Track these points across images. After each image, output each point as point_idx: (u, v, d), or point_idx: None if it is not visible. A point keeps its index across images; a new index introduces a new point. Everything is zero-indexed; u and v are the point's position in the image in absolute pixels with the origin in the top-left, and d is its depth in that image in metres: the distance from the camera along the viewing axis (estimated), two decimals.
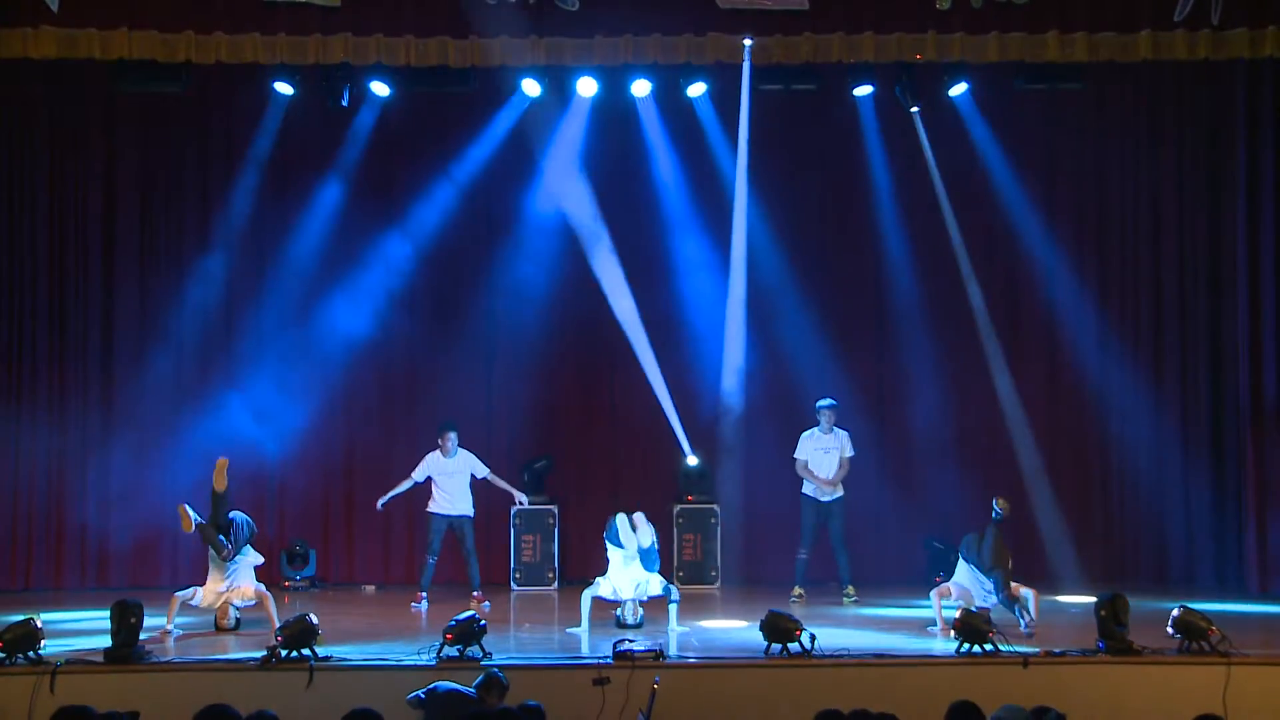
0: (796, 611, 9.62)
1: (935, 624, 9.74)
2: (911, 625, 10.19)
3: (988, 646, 8.49)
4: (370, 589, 12.62)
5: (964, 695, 6.22)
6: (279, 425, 12.66)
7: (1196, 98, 12.60)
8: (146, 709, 6.69)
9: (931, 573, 12.12)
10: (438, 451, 11.52)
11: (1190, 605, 8.75)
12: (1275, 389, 11.81)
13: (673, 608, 9.84)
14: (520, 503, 11.89)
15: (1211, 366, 12.65)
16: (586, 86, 12.11)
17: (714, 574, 12.49)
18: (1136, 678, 8.34)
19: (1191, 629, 8.49)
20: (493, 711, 6.13)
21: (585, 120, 12.63)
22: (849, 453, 11.65)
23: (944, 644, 9.14)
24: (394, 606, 11.41)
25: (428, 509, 11.55)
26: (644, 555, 10.02)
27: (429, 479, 11.50)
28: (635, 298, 12.91)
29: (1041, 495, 12.75)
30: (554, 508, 12.51)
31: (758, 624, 8.73)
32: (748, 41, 11.02)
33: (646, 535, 10.04)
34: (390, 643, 9.23)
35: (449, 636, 8.39)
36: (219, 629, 9.96)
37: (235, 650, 9.09)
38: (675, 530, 12.42)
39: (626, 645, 8.44)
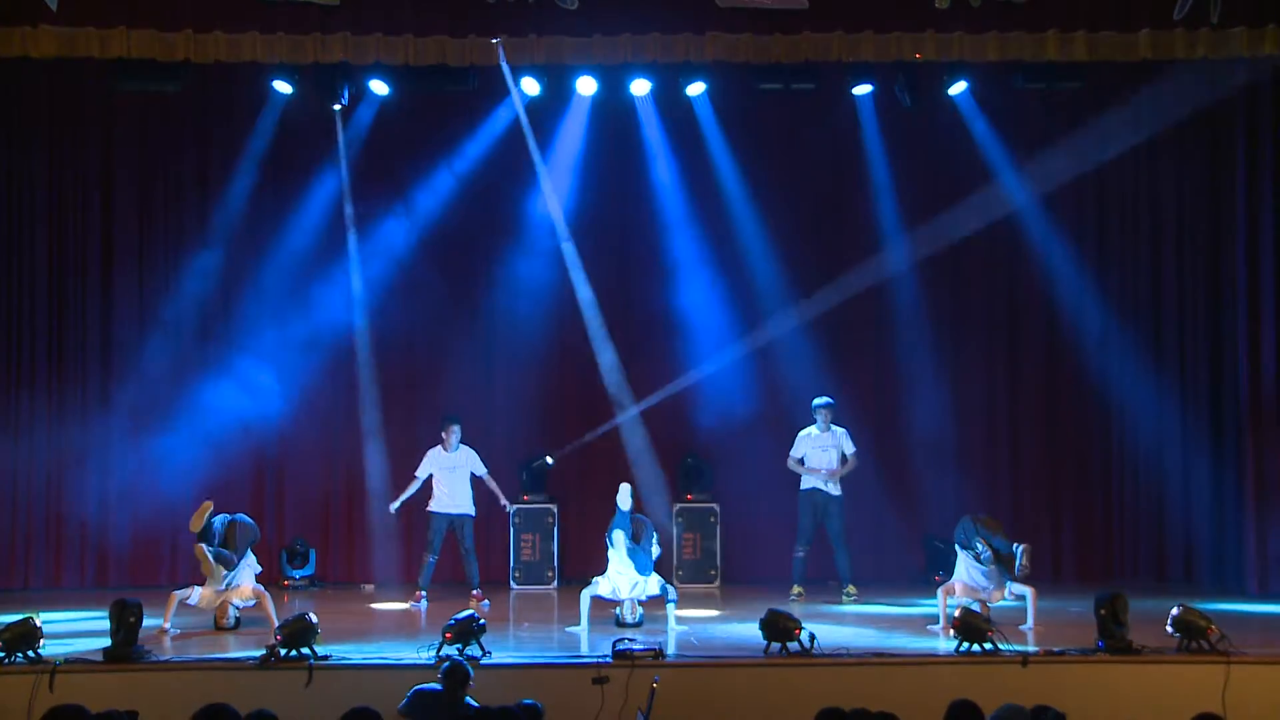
0: (796, 610, 9.62)
1: (937, 622, 9.75)
2: (911, 624, 10.20)
3: (987, 645, 8.49)
4: (369, 588, 12.61)
5: (964, 694, 6.24)
6: (279, 424, 12.68)
7: (1196, 96, 12.58)
8: (145, 708, 6.67)
9: (931, 571, 12.13)
10: (439, 446, 11.52)
11: (1190, 604, 8.75)
12: (1275, 388, 11.80)
13: (671, 607, 9.85)
14: (505, 508, 11.84)
15: (1211, 366, 12.64)
16: (586, 85, 12.11)
17: (713, 573, 12.50)
18: (1136, 677, 8.34)
19: (1191, 628, 8.49)
20: (493, 710, 6.12)
21: (585, 119, 12.64)
22: (850, 449, 11.64)
23: (944, 643, 9.14)
24: (393, 605, 11.41)
25: (428, 508, 11.55)
26: (636, 560, 10.01)
27: (430, 475, 11.49)
28: (635, 296, 12.94)
29: (1041, 494, 12.77)
30: (553, 507, 12.51)
31: (757, 623, 8.73)
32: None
33: (651, 544, 10.08)
34: (389, 642, 9.23)
35: (448, 635, 8.39)
36: (218, 628, 9.96)
37: (234, 649, 9.09)
38: (675, 529, 12.43)
39: (626, 644, 8.45)
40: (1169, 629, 8.58)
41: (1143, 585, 12.10)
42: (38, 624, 8.36)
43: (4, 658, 8.20)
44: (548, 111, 12.58)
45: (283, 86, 11.96)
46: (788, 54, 11.05)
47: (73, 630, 9.69)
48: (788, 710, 7.84)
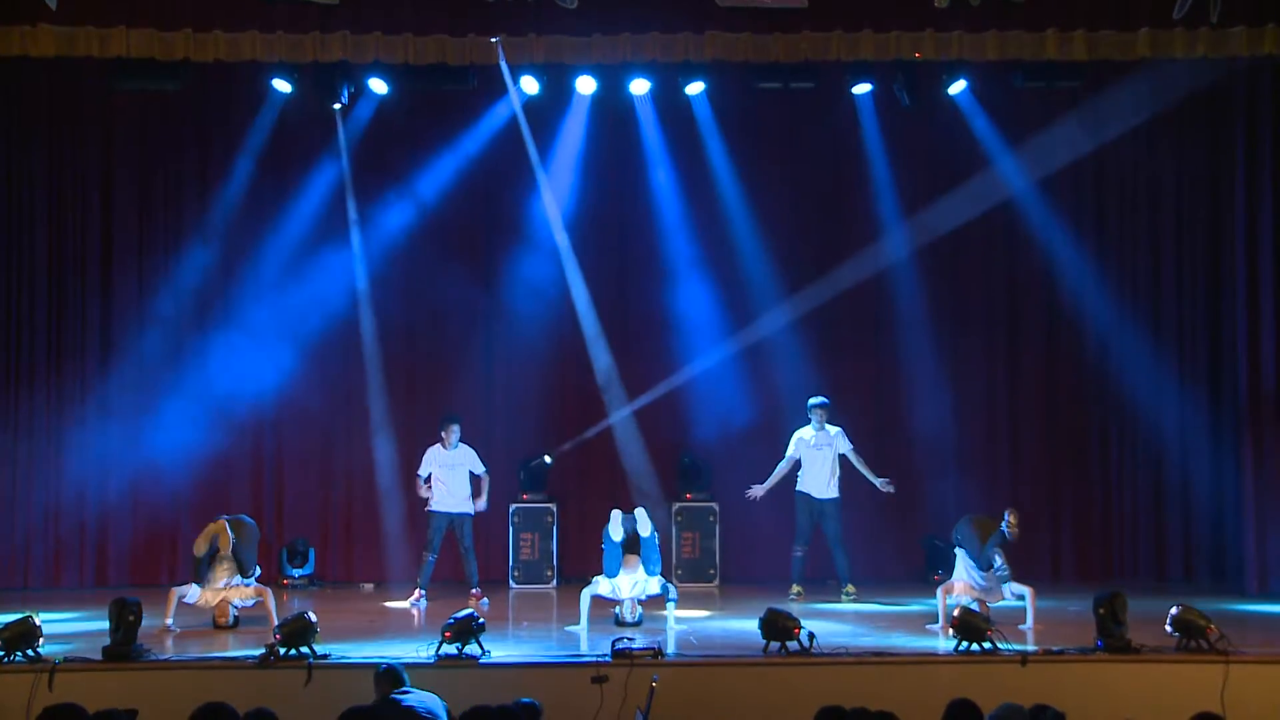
0: (795, 609, 9.62)
1: (936, 621, 9.75)
2: (911, 623, 10.19)
3: (986, 645, 8.49)
4: (369, 587, 12.61)
5: (963, 693, 6.24)
6: (279, 424, 12.69)
7: (1195, 96, 12.58)
8: (145, 707, 6.66)
9: (930, 571, 12.13)
10: (439, 445, 11.52)
11: (1189, 604, 8.75)
12: (1274, 388, 11.80)
13: (671, 606, 9.85)
14: (480, 510, 11.67)
15: (1210, 365, 12.65)
16: (585, 85, 12.10)
17: (713, 572, 12.50)
18: (1135, 676, 8.34)
19: (1190, 627, 8.49)
20: (491, 709, 6.12)
21: (585, 118, 12.64)
22: (846, 447, 11.64)
23: (943, 642, 9.14)
24: (393, 604, 11.41)
25: (428, 507, 11.54)
26: (645, 554, 10.01)
27: (430, 474, 11.50)
28: (634, 294, 12.94)
29: (1040, 493, 12.77)
30: (552, 506, 12.51)
31: (757, 622, 8.73)
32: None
33: (645, 525, 10.04)
34: (389, 640, 9.24)
35: (447, 634, 8.39)
36: (217, 627, 9.96)
37: (234, 648, 9.10)
38: (674, 528, 12.43)
39: (625, 643, 8.45)
40: (1168, 628, 8.58)
41: (1142, 584, 12.09)
42: (37, 623, 8.36)
43: (3, 656, 8.20)
44: (547, 111, 12.57)
45: (282, 85, 11.95)
46: (787, 53, 11.05)
47: (72, 629, 9.68)
48: (787, 709, 7.84)
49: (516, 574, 12.42)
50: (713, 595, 12.06)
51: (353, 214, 12.75)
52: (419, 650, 8.47)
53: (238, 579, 10.02)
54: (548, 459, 12.60)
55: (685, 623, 10.04)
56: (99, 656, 8.38)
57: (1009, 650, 8.47)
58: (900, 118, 12.50)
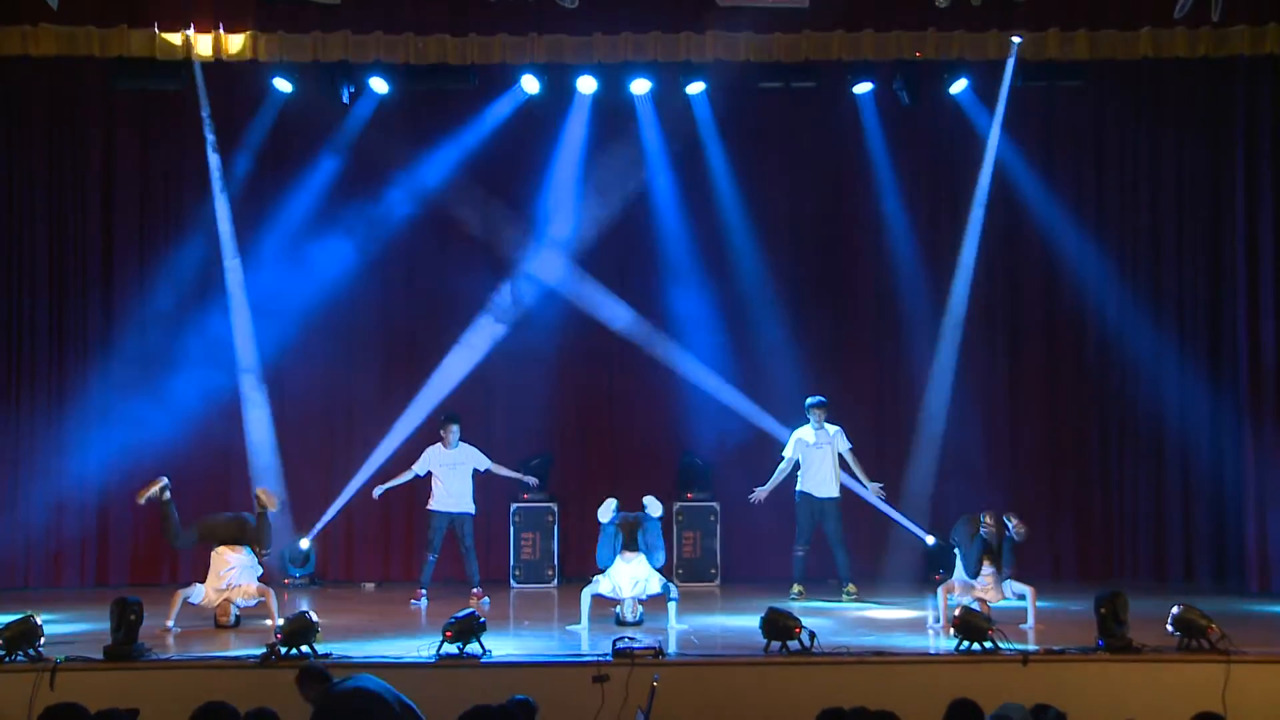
0: (796, 609, 9.61)
1: (937, 620, 9.75)
2: (911, 623, 10.19)
3: (987, 644, 8.48)
4: (370, 586, 12.62)
5: (964, 693, 6.24)
6: (279, 423, 12.67)
7: (1196, 95, 12.59)
8: (146, 706, 6.67)
9: (931, 570, 12.13)
10: (439, 444, 11.52)
11: (1190, 603, 8.75)
12: (1274, 387, 11.80)
13: (672, 605, 9.84)
14: (533, 485, 11.84)
15: (1210, 364, 12.63)
16: (586, 84, 12.10)
17: (714, 571, 12.50)
18: (1136, 675, 8.33)
19: (1191, 627, 8.48)
20: (493, 709, 6.12)
21: (585, 117, 12.63)
22: (845, 447, 11.64)
23: (944, 641, 9.14)
24: (393, 604, 11.41)
25: (428, 506, 11.54)
26: (649, 540, 10.00)
27: (430, 473, 11.50)
28: (635, 295, 12.93)
29: (1041, 492, 12.76)
30: (553, 505, 12.51)
31: (757, 621, 8.73)
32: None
33: (656, 507, 10.12)
34: (390, 640, 9.23)
35: (448, 634, 8.39)
36: (219, 626, 9.97)
37: (235, 648, 9.10)
38: (675, 528, 12.43)
39: (626, 643, 8.44)
40: (1169, 628, 8.57)
41: (1143, 584, 12.10)
42: (38, 622, 8.37)
43: (4, 656, 8.20)
44: (548, 110, 12.57)
45: (283, 85, 11.96)
46: (788, 53, 11.06)
47: (73, 629, 9.68)
48: (788, 709, 7.85)
49: (517, 573, 12.42)
50: (714, 594, 12.06)
51: (353, 211, 12.74)
52: (420, 649, 8.47)
53: (244, 572, 10.02)
54: (549, 457, 12.58)
55: (685, 622, 10.02)
56: (100, 656, 8.37)
57: (1010, 650, 8.45)
58: (901, 117, 12.51)
